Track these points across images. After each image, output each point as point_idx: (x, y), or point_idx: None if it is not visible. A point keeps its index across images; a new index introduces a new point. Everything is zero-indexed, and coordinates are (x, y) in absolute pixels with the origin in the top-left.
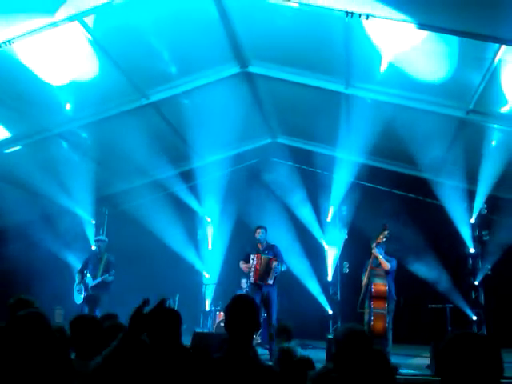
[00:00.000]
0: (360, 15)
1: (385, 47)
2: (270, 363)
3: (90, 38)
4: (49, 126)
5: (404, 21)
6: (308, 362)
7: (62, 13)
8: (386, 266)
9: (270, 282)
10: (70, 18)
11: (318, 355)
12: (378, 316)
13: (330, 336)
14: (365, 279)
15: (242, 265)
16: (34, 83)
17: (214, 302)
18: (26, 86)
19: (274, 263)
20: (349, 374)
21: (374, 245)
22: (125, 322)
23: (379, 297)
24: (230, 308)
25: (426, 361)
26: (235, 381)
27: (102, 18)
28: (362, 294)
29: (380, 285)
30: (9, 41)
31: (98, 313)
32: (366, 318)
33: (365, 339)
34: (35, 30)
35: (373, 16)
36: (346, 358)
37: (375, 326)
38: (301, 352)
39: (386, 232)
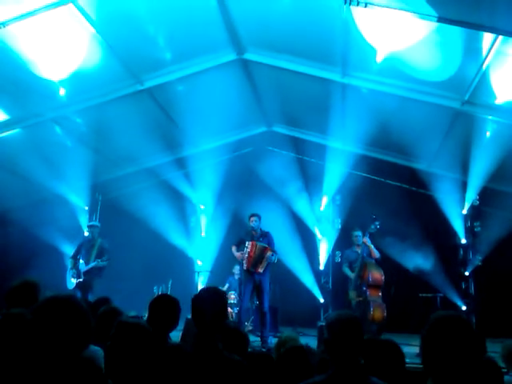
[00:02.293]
0: (358, 3)
1: (382, 37)
2: (263, 350)
3: (85, 21)
4: (42, 111)
5: (401, 9)
6: (300, 350)
7: None
8: (375, 254)
9: (261, 270)
10: (65, 1)
11: (309, 342)
12: (378, 305)
13: (322, 323)
14: (353, 270)
15: (235, 252)
16: (27, 67)
17: None
18: (19, 70)
19: (269, 253)
20: (343, 359)
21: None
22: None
23: (375, 285)
24: (194, 299)
25: (416, 349)
26: (201, 373)
27: (96, 1)
28: (353, 282)
29: (377, 274)
30: (2, 23)
31: (91, 298)
32: (354, 303)
33: (357, 326)
34: (29, 13)
35: (371, 4)
36: (339, 344)
37: (376, 314)
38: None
39: (376, 222)
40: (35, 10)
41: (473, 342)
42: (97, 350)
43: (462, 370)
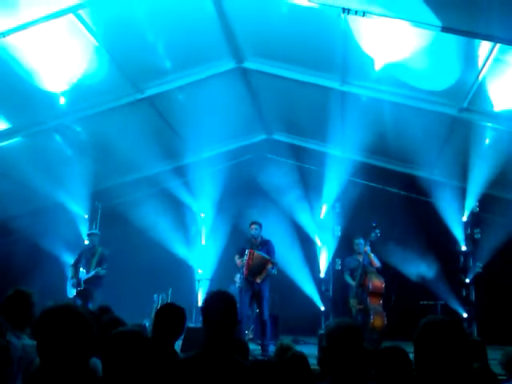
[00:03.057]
0: (356, 12)
1: (380, 46)
2: (263, 358)
3: (86, 31)
4: (43, 120)
5: (399, 18)
6: (302, 358)
7: (57, 5)
8: (376, 264)
9: (259, 281)
10: (65, 11)
11: (309, 351)
12: (378, 313)
13: (322, 331)
14: (354, 278)
15: (237, 260)
16: (27, 76)
17: None
18: (20, 79)
19: (269, 266)
20: (339, 368)
21: (366, 246)
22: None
23: (376, 293)
24: (206, 303)
25: None
26: (213, 377)
27: (97, 11)
28: (354, 290)
29: (377, 282)
30: (2, 33)
31: (91, 307)
32: (354, 311)
33: (357, 334)
34: (30, 23)
35: (369, 13)
36: (338, 353)
37: (376, 322)
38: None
39: (376, 231)
40: (36, 20)
41: (464, 346)
42: (97, 361)
43: (453, 375)
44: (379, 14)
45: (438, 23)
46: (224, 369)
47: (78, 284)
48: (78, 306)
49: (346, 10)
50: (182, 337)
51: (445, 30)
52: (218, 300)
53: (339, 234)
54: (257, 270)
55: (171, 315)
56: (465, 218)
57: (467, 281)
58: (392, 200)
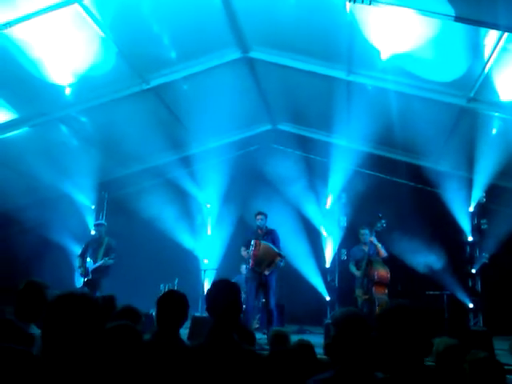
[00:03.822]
0: (363, 0)
1: (386, 35)
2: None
3: (91, 21)
4: (49, 110)
5: (406, 6)
6: (308, 347)
7: None
8: (383, 253)
9: (267, 273)
10: (70, 1)
11: (315, 340)
12: (383, 302)
13: (328, 321)
14: (359, 268)
15: (243, 251)
16: (34, 67)
17: None
18: (26, 70)
19: (278, 259)
20: (347, 357)
21: (371, 236)
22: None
23: (381, 283)
24: (211, 292)
25: None
26: (218, 365)
27: (102, 1)
28: (360, 280)
29: (383, 271)
30: (8, 23)
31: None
32: (360, 301)
33: (362, 322)
34: (35, 13)
35: (376, 1)
36: (345, 340)
37: None
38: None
39: (382, 221)
40: (41, 10)
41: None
42: None
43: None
44: (386, 3)
45: (448, 12)
46: (229, 357)
47: (85, 274)
48: (89, 294)
49: None
50: (189, 326)
51: (457, 19)
52: (222, 289)
53: (345, 224)
54: (264, 260)
55: (173, 302)
56: (471, 209)
57: (473, 271)
58: (398, 190)
